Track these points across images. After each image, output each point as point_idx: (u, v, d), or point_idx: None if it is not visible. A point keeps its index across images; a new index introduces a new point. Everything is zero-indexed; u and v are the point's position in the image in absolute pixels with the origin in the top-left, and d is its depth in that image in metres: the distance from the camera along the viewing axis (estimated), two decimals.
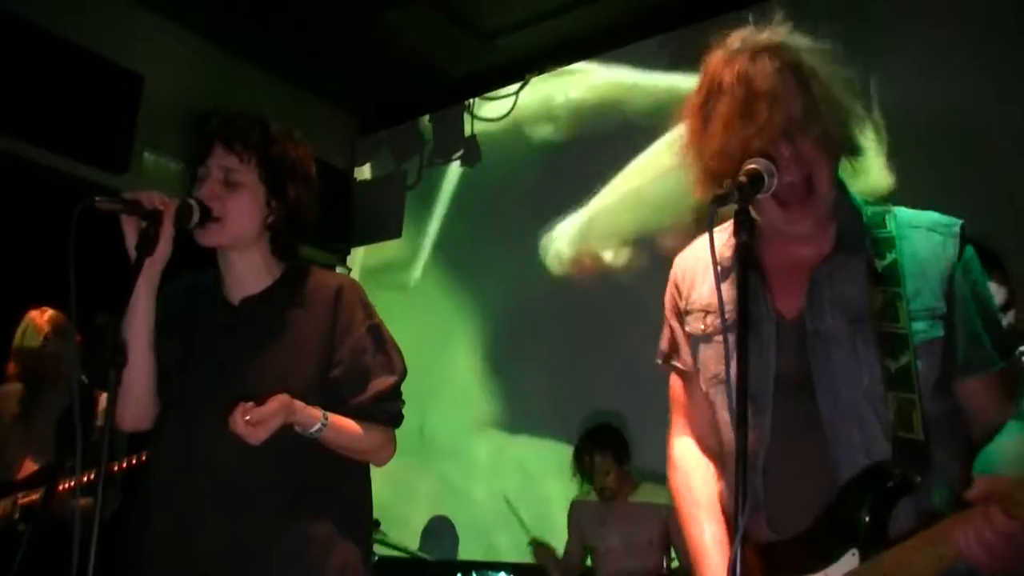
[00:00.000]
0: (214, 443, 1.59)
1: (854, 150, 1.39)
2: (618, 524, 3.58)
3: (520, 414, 4.83)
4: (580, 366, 4.57)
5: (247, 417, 1.54)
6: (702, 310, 1.50)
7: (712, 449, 1.53)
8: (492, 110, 5.44)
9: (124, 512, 3.08)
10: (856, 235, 1.40)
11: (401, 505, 4.77)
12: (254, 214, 1.73)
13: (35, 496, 3.09)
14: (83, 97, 4.32)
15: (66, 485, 2.75)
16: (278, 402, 1.57)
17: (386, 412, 1.75)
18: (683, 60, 4.58)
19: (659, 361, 1.62)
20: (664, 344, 1.61)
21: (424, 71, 5.36)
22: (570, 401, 4.46)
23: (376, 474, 1.83)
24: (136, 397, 1.68)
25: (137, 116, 4.58)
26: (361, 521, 1.81)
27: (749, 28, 1.41)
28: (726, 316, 1.30)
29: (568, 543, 3.91)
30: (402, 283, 5.56)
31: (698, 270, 1.55)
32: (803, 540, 1.32)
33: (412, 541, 4.78)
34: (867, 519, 1.25)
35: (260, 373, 1.67)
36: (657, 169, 4.62)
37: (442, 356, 5.11)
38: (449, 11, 4.87)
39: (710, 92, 1.36)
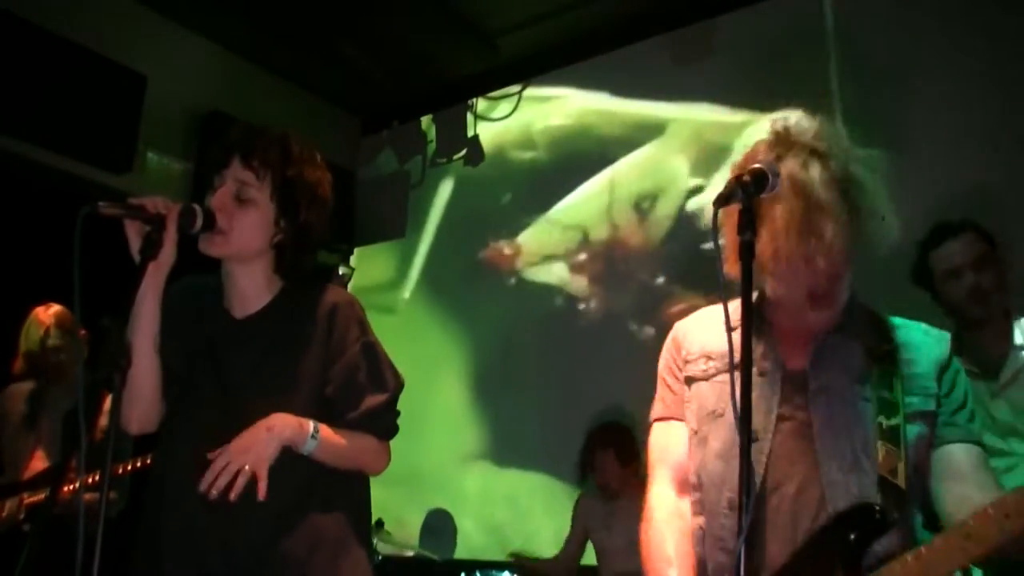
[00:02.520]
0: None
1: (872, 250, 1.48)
2: (623, 524, 3.57)
3: (509, 446, 4.81)
4: (569, 394, 4.55)
5: (241, 471, 1.54)
6: (703, 355, 1.58)
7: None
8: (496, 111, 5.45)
9: (133, 514, 3.10)
10: (858, 318, 1.53)
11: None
12: (260, 232, 1.72)
13: (41, 496, 3.10)
14: (86, 97, 4.32)
15: (71, 486, 2.76)
16: (254, 455, 1.55)
17: (379, 426, 1.75)
18: (681, 60, 4.64)
19: (665, 413, 1.65)
20: (659, 404, 1.65)
21: (426, 71, 5.37)
22: (560, 432, 4.39)
23: None
24: (142, 399, 1.69)
25: (140, 116, 4.58)
26: (364, 522, 1.82)
27: (784, 120, 1.49)
28: (734, 357, 1.31)
29: (569, 537, 3.92)
30: (390, 305, 5.53)
31: (699, 327, 1.63)
32: (785, 572, 1.37)
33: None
34: (846, 553, 1.33)
35: (260, 393, 1.68)
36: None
37: (430, 383, 5.04)
38: (451, 11, 4.87)
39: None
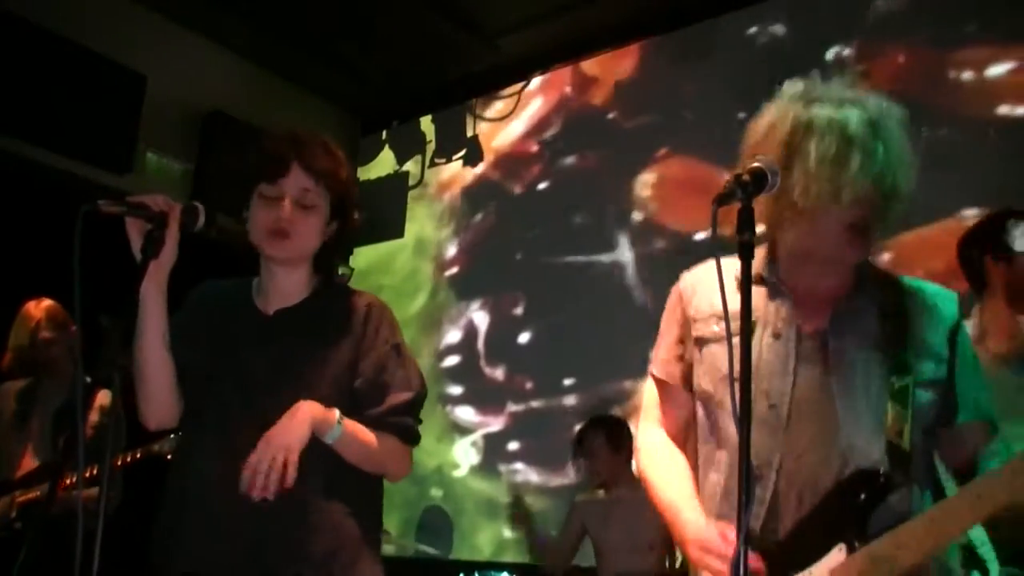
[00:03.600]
0: (241, 451, 1.59)
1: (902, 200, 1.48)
2: (621, 522, 3.56)
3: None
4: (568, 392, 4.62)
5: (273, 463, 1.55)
6: (713, 315, 1.56)
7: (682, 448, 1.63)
8: (496, 111, 5.45)
9: (128, 511, 3.09)
10: (872, 283, 1.54)
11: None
12: (319, 234, 1.77)
13: (33, 494, 3.09)
14: (86, 97, 4.33)
15: (66, 482, 2.76)
16: (285, 441, 1.57)
17: (399, 425, 1.75)
18: (682, 58, 4.64)
19: (653, 369, 1.69)
20: (660, 361, 1.67)
21: (426, 71, 5.37)
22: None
23: None
24: (157, 396, 1.70)
25: (140, 116, 4.59)
26: (378, 528, 1.82)
27: (816, 79, 1.52)
28: (733, 320, 1.32)
29: (561, 537, 3.90)
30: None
31: (705, 282, 1.61)
32: (794, 539, 1.39)
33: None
34: (854, 516, 1.35)
35: (288, 385, 1.69)
36: None
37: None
38: (451, 11, 4.87)
39: (794, 131, 1.43)
